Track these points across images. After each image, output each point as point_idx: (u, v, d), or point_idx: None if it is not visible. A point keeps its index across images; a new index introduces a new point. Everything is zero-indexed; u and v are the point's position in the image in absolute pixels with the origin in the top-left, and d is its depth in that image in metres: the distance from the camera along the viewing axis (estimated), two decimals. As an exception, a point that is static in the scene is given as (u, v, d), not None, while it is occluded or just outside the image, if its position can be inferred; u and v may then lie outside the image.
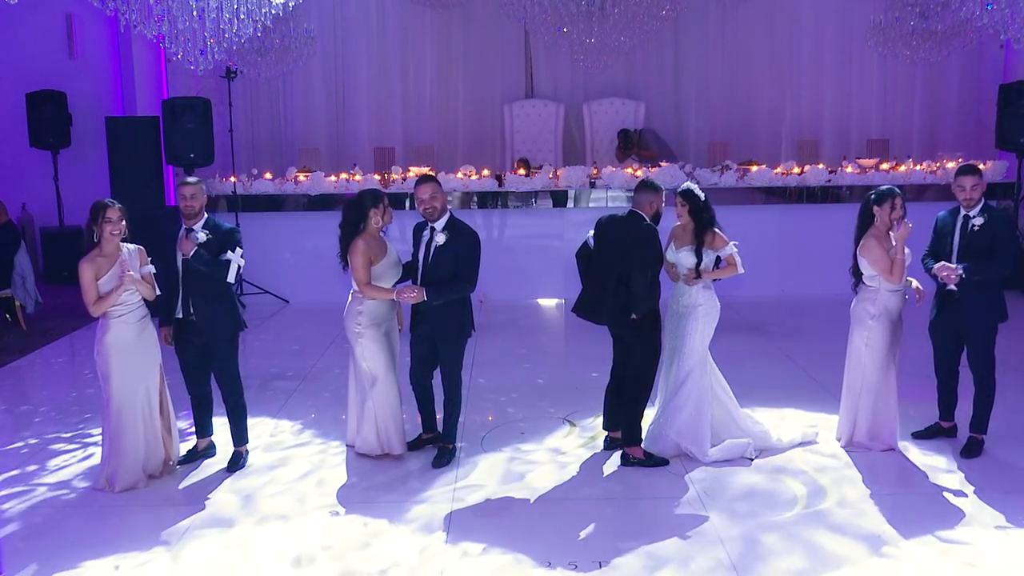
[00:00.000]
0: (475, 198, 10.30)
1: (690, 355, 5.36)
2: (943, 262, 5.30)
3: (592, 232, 5.34)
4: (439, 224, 5.26)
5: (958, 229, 5.32)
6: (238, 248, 5.22)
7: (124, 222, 4.99)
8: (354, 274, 5.23)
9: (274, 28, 9.98)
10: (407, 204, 9.66)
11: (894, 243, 5.24)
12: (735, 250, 5.33)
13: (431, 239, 5.26)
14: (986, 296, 5.27)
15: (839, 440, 5.59)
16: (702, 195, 5.36)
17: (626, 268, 5.11)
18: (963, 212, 5.33)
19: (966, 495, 4.87)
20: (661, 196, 5.32)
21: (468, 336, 5.40)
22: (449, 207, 5.47)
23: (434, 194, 5.23)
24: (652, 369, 5.33)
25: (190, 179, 5.33)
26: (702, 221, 5.31)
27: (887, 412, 5.44)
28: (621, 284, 5.14)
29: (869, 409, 5.46)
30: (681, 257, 5.36)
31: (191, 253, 5.11)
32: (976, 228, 5.25)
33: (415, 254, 5.36)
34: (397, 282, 5.37)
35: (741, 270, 5.37)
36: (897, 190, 5.36)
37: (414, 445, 5.60)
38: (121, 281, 4.93)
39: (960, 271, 5.19)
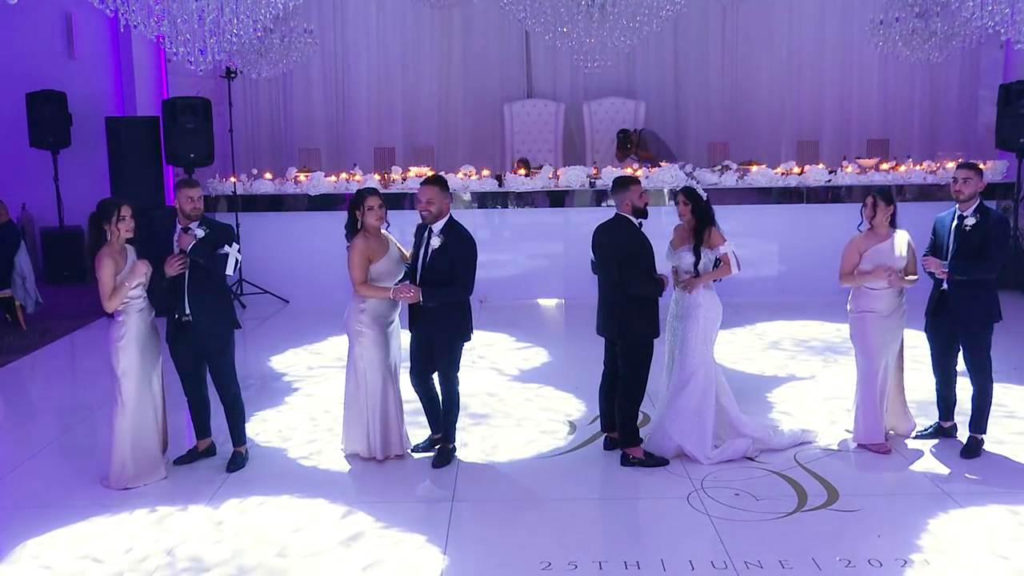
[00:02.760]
0: (475, 198, 10.29)
1: (693, 356, 5.35)
2: (931, 256, 5.34)
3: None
4: (436, 227, 5.27)
5: (952, 229, 5.34)
6: (235, 243, 5.29)
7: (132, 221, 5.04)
8: (350, 272, 5.24)
9: (274, 28, 9.97)
10: (407, 204, 9.65)
11: (893, 251, 5.27)
12: (732, 249, 5.34)
13: (428, 241, 5.28)
14: (980, 296, 5.28)
15: (848, 436, 5.59)
16: (704, 195, 5.37)
17: (617, 269, 5.14)
18: (958, 212, 5.35)
19: (966, 495, 4.87)
20: (636, 188, 5.29)
21: (465, 339, 5.39)
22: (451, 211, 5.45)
23: (431, 199, 5.22)
24: (642, 371, 5.32)
25: (193, 180, 5.37)
26: (702, 219, 5.32)
27: (877, 409, 5.44)
28: (614, 289, 5.19)
29: (862, 406, 5.49)
30: (680, 256, 5.36)
31: (189, 247, 5.14)
32: (969, 228, 5.27)
33: (415, 254, 5.37)
34: (398, 281, 5.38)
35: (737, 270, 5.37)
36: (873, 191, 5.41)
37: (425, 447, 5.59)
38: (135, 273, 4.96)
39: (945, 268, 5.22)
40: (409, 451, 5.54)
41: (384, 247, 5.32)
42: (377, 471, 5.32)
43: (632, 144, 11.62)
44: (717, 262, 5.34)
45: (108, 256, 4.97)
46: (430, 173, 8.01)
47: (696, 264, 5.31)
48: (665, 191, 9.96)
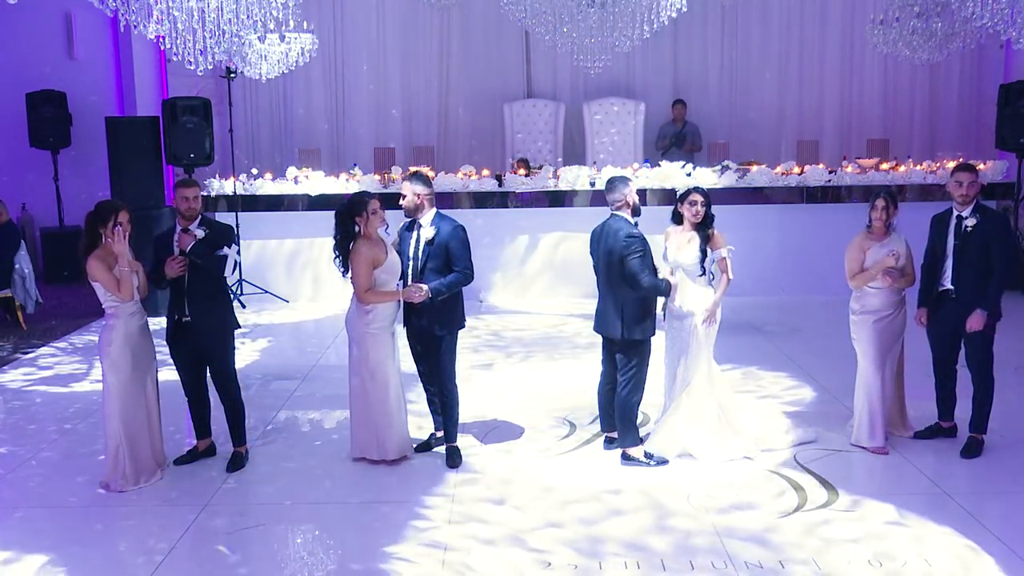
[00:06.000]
0: (475, 198, 10.28)
1: (694, 357, 5.36)
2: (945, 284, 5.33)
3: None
4: (425, 220, 5.29)
5: (952, 230, 5.33)
6: (234, 245, 5.29)
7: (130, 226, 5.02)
8: (356, 280, 5.20)
9: (274, 28, 9.96)
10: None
11: (887, 255, 5.27)
12: (729, 254, 5.36)
13: (418, 235, 5.28)
14: (982, 295, 5.27)
15: (849, 436, 5.60)
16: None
17: (620, 270, 5.14)
18: (956, 213, 5.33)
19: (966, 495, 4.87)
20: (632, 186, 5.31)
21: (461, 327, 5.44)
22: (436, 206, 5.44)
23: (404, 191, 5.30)
24: (641, 370, 5.33)
25: (190, 180, 5.37)
26: (708, 219, 5.34)
27: (878, 411, 5.44)
28: (613, 288, 5.20)
29: (862, 406, 5.48)
30: (683, 257, 5.36)
31: (189, 247, 5.13)
32: (969, 229, 5.26)
33: (405, 253, 5.36)
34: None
35: (731, 275, 5.41)
36: (883, 192, 5.42)
37: (427, 445, 5.61)
38: (119, 262, 4.93)
39: (982, 317, 5.21)
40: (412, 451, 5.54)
41: (384, 251, 5.31)
42: (378, 471, 5.30)
43: (683, 139, 11.96)
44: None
45: (99, 259, 4.96)
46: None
47: (702, 261, 5.32)
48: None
